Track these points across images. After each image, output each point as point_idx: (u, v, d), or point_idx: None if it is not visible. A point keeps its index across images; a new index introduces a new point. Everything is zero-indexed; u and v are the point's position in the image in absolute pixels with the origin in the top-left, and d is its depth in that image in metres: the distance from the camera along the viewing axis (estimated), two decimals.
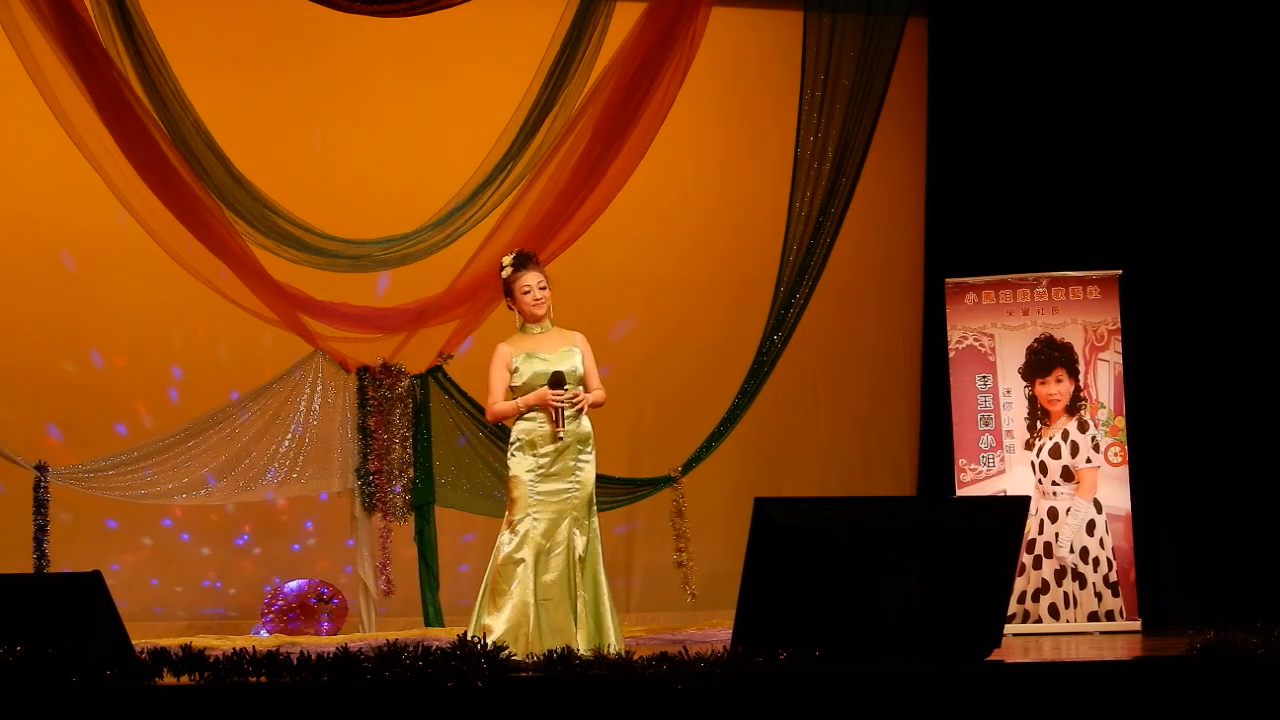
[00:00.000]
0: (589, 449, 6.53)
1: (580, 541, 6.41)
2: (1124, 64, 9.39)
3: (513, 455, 6.47)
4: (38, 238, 8.88)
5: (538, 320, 6.55)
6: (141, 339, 9.00)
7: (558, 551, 6.36)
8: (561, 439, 6.38)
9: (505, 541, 6.39)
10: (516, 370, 6.47)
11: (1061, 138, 9.44)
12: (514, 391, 6.49)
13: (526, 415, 6.45)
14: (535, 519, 6.36)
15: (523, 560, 6.31)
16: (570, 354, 6.52)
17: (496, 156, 8.16)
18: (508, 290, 6.58)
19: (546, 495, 6.40)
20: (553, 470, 6.42)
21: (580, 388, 6.50)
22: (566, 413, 6.38)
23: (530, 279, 6.53)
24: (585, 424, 6.54)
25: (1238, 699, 4.69)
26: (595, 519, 6.52)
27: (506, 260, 6.59)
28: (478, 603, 6.42)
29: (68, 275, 8.92)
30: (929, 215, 9.79)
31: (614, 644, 6.24)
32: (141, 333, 9.00)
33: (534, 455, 6.42)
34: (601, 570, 6.47)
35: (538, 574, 6.32)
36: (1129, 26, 9.36)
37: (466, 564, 9.13)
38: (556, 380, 6.40)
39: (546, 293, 6.55)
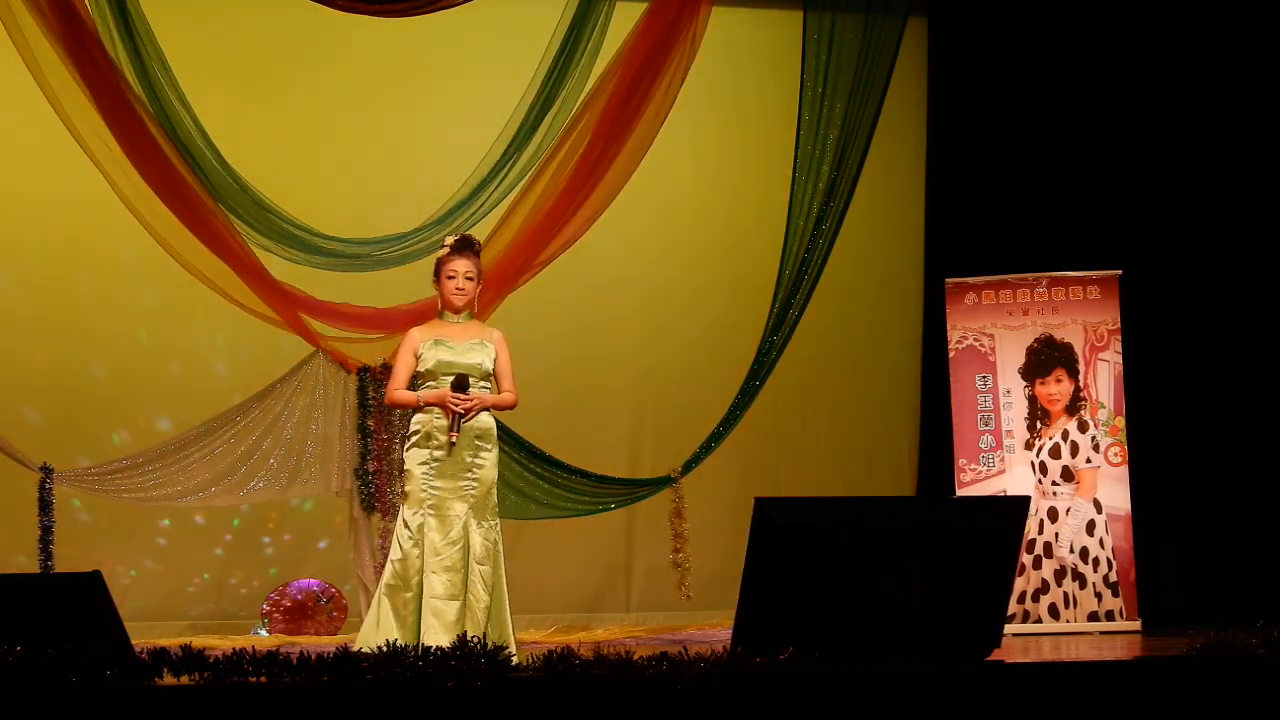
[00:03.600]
0: (489, 445, 6.36)
1: (478, 541, 6.25)
2: (1124, 63, 9.39)
3: (409, 449, 6.35)
4: (42, 237, 8.89)
5: (455, 310, 6.44)
6: (142, 339, 9.01)
7: (454, 550, 6.21)
8: (453, 444, 6.24)
9: (403, 538, 6.25)
10: (422, 356, 6.36)
11: (1061, 137, 9.45)
12: (418, 377, 6.38)
13: (425, 408, 6.34)
14: (429, 514, 6.24)
15: (417, 556, 6.18)
16: (479, 348, 6.39)
17: (496, 154, 8.16)
18: (435, 271, 6.48)
19: (441, 490, 6.25)
20: (447, 465, 6.27)
21: (485, 384, 6.39)
22: (463, 419, 6.27)
23: (459, 265, 6.41)
24: (487, 419, 6.39)
25: (1238, 699, 4.69)
26: (497, 520, 6.36)
27: (449, 240, 6.50)
28: (375, 601, 6.30)
29: (72, 277, 8.93)
30: (929, 215, 9.79)
31: (512, 651, 6.12)
32: (142, 333, 9.01)
33: (429, 448, 6.29)
34: (503, 574, 6.31)
35: (427, 573, 6.18)
36: (1129, 26, 9.36)
37: None
38: (460, 383, 6.27)
39: (472, 284, 6.43)
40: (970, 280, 8.91)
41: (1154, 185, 9.33)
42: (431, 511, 6.25)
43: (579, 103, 8.14)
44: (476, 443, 6.34)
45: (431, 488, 6.27)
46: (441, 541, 6.22)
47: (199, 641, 5.75)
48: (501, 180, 8.18)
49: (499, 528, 6.38)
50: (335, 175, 9.14)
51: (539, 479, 8.41)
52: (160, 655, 4.32)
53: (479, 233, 8.19)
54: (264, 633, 8.54)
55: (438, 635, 6.04)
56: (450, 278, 6.42)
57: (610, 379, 9.58)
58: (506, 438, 8.25)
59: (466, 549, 6.23)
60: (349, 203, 8.91)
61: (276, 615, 8.65)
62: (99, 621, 4.81)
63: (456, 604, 6.17)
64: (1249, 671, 4.72)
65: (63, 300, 8.92)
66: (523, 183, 8.17)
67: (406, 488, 6.33)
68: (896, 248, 9.86)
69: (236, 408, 8.38)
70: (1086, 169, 9.42)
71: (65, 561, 7.94)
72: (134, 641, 4.85)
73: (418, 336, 6.43)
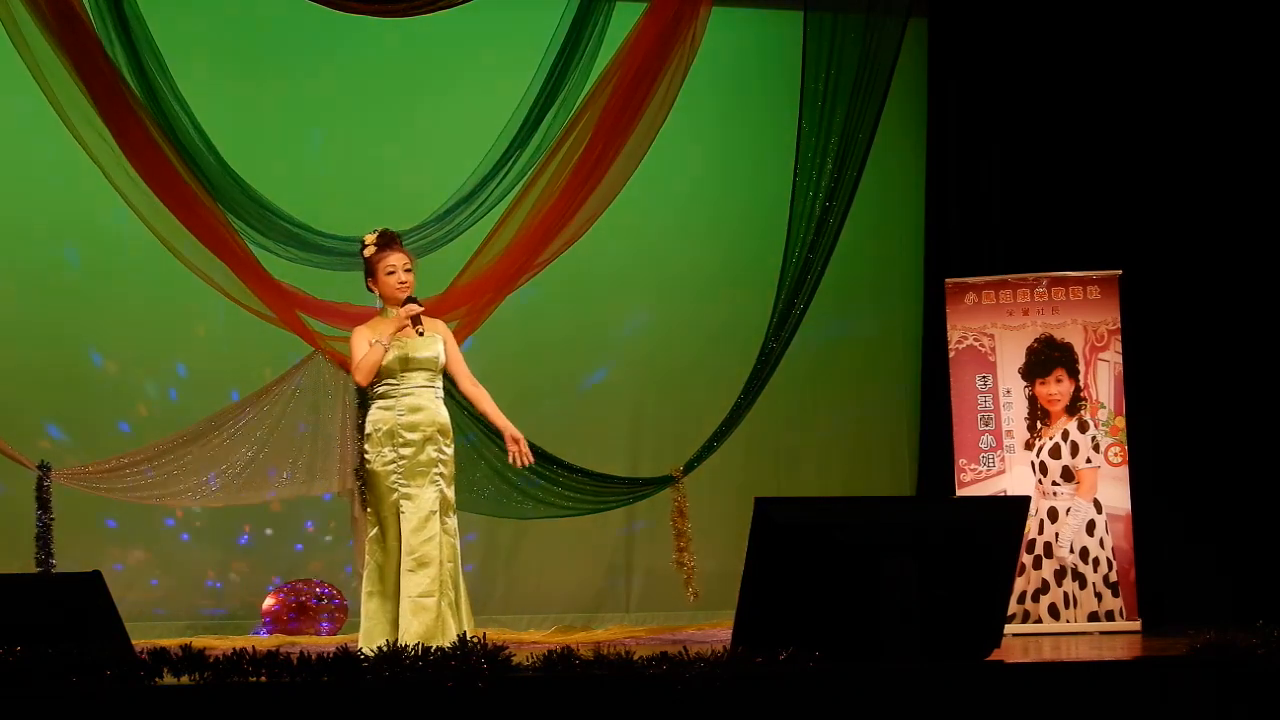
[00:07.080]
0: (450, 441, 6.41)
1: (445, 540, 6.28)
2: (1124, 63, 9.39)
3: (369, 449, 6.35)
4: (40, 236, 8.89)
5: (400, 304, 6.48)
6: (141, 338, 9.00)
7: (430, 546, 6.21)
8: (421, 333, 6.31)
9: (378, 541, 6.29)
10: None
11: (1061, 137, 9.44)
12: (378, 379, 6.40)
13: (382, 405, 6.36)
14: (400, 513, 6.25)
15: (395, 554, 6.21)
16: (433, 340, 6.43)
17: (496, 154, 8.15)
18: (370, 270, 6.51)
19: (409, 489, 6.27)
20: (415, 463, 6.29)
21: (438, 375, 6.44)
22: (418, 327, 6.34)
23: (396, 259, 6.46)
24: (443, 414, 6.42)
25: (1238, 699, 4.69)
26: (454, 518, 6.39)
27: (369, 239, 6.53)
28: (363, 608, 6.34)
29: (69, 274, 8.92)
30: (929, 215, 9.78)
31: None
32: (141, 332, 9.00)
33: (394, 448, 6.30)
34: (460, 570, 6.36)
35: (404, 572, 6.18)
36: (1129, 26, 9.36)
37: (470, 564, 9.14)
38: (407, 299, 6.38)
39: (411, 275, 6.48)
40: (970, 280, 8.91)
41: (1154, 185, 9.33)
42: (401, 510, 6.26)
43: (579, 102, 8.14)
44: (440, 439, 6.37)
45: (401, 486, 6.28)
46: (419, 540, 6.22)
47: (199, 641, 5.75)
48: (502, 179, 8.18)
49: (455, 525, 6.42)
50: (335, 174, 9.14)
51: (540, 478, 8.40)
52: (160, 655, 4.33)
53: (479, 231, 8.22)
54: (264, 633, 8.54)
55: (418, 633, 6.05)
56: (391, 273, 6.46)
57: (612, 377, 9.58)
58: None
59: (439, 545, 6.25)
60: (349, 202, 8.90)
61: (276, 615, 8.64)
62: (99, 621, 4.82)
63: (434, 599, 6.18)
64: (1248, 671, 4.73)
65: (62, 300, 8.91)
66: (523, 182, 8.17)
67: (376, 490, 6.32)
68: (896, 248, 9.85)
69: (235, 407, 8.38)
70: (1086, 169, 9.41)
71: (65, 561, 7.93)
72: (134, 641, 4.86)
73: (368, 335, 6.44)
